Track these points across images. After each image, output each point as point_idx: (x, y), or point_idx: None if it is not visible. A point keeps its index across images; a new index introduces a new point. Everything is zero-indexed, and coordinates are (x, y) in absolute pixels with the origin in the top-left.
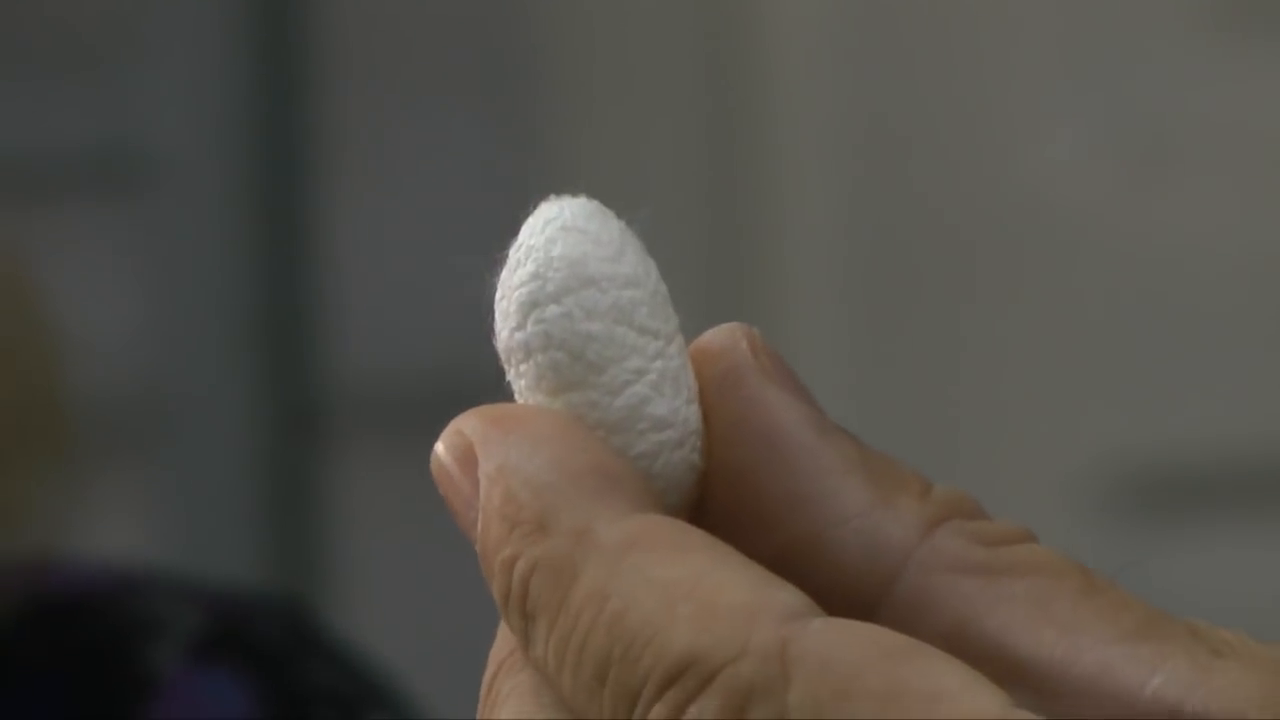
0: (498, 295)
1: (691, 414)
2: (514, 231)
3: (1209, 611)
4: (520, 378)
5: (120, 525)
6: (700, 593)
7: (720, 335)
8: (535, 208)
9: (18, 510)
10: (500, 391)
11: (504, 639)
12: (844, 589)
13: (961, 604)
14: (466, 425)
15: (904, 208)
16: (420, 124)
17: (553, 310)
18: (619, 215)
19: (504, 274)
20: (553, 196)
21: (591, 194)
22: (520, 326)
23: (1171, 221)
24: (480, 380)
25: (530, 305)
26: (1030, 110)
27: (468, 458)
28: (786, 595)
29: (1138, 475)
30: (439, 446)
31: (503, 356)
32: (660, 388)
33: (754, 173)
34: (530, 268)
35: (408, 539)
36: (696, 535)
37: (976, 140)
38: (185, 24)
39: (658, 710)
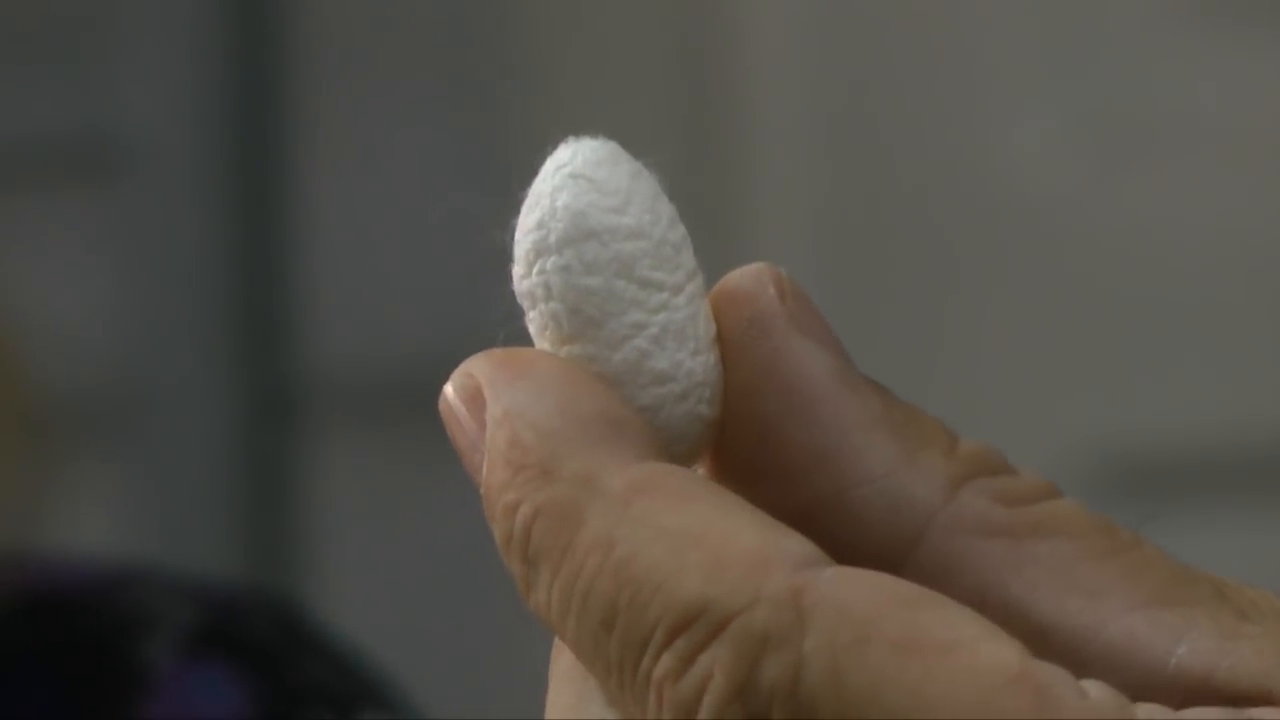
0: (515, 236)
1: (698, 365)
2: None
3: None
4: (531, 324)
5: (96, 515)
6: (710, 540)
7: (746, 278)
8: (555, 148)
9: None
10: None
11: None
12: (867, 548)
13: (985, 568)
14: (476, 367)
15: (878, 197)
16: (395, 112)
17: (553, 262)
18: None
19: (520, 216)
20: (571, 138)
21: None
22: (526, 275)
23: (1146, 207)
24: (456, 367)
25: (534, 254)
26: (1004, 97)
27: (476, 399)
28: (796, 544)
29: (1118, 462)
30: (448, 387)
31: (518, 299)
32: (662, 341)
33: (727, 160)
34: (536, 215)
35: (384, 526)
36: (703, 484)
37: (950, 129)
38: (158, 13)
39: (666, 659)
